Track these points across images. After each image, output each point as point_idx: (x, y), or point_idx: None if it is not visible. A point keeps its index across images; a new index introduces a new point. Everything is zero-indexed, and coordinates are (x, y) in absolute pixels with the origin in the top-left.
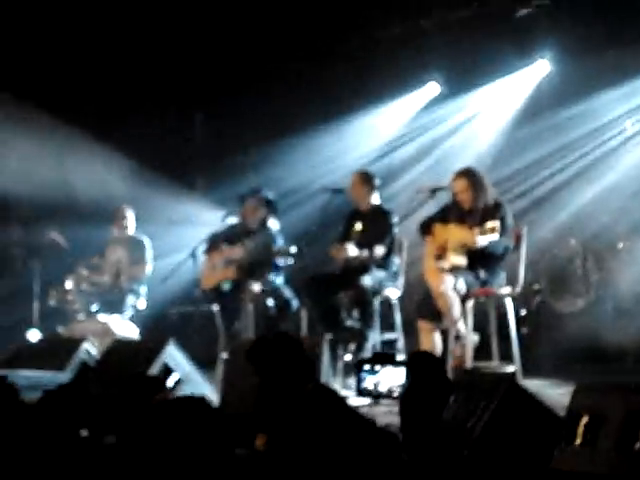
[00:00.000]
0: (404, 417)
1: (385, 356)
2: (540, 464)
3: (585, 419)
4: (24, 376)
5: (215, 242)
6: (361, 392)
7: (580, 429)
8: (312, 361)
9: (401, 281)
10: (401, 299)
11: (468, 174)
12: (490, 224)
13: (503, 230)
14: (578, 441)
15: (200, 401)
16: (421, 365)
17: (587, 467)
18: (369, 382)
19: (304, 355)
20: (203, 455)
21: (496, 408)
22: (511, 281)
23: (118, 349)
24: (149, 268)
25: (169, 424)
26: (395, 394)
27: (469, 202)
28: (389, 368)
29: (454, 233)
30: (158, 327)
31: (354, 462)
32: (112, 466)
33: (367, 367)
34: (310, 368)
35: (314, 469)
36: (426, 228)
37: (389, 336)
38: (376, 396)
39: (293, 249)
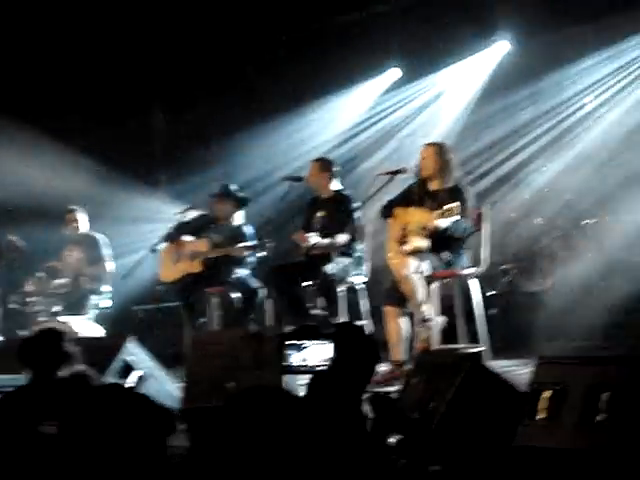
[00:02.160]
0: (333, 389)
1: (309, 329)
2: (503, 441)
3: (547, 393)
4: None
5: (178, 234)
6: (287, 370)
7: (542, 404)
8: (70, 352)
9: (366, 267)
10: (368, 285)
11: (439, 144)
12: (448, 206)
13: (463, 212)
14: (541, 416)
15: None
16: (347, 336)
17: (550, 441)
18: (296, 358)
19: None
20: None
21: (459, 387)
22: (477, 262)
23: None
24: (110, 266)
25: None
26: (321, 368)
27: (432, 170)
28: (315, 342)
29: (414, 216)
30: (124, 326)
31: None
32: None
33: (291, 343)
34: (68, 358)
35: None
36: (387, 211)
37: (357, 324)
38: (303, 372)
39: (255, 242)
